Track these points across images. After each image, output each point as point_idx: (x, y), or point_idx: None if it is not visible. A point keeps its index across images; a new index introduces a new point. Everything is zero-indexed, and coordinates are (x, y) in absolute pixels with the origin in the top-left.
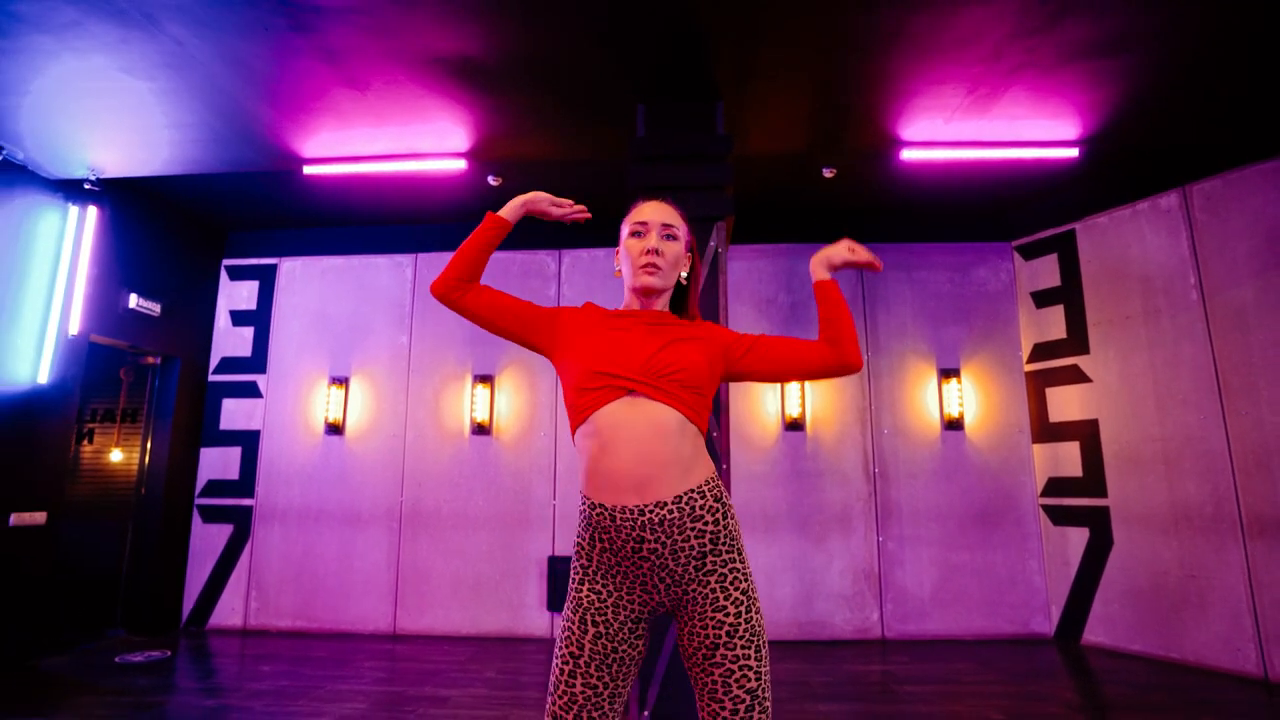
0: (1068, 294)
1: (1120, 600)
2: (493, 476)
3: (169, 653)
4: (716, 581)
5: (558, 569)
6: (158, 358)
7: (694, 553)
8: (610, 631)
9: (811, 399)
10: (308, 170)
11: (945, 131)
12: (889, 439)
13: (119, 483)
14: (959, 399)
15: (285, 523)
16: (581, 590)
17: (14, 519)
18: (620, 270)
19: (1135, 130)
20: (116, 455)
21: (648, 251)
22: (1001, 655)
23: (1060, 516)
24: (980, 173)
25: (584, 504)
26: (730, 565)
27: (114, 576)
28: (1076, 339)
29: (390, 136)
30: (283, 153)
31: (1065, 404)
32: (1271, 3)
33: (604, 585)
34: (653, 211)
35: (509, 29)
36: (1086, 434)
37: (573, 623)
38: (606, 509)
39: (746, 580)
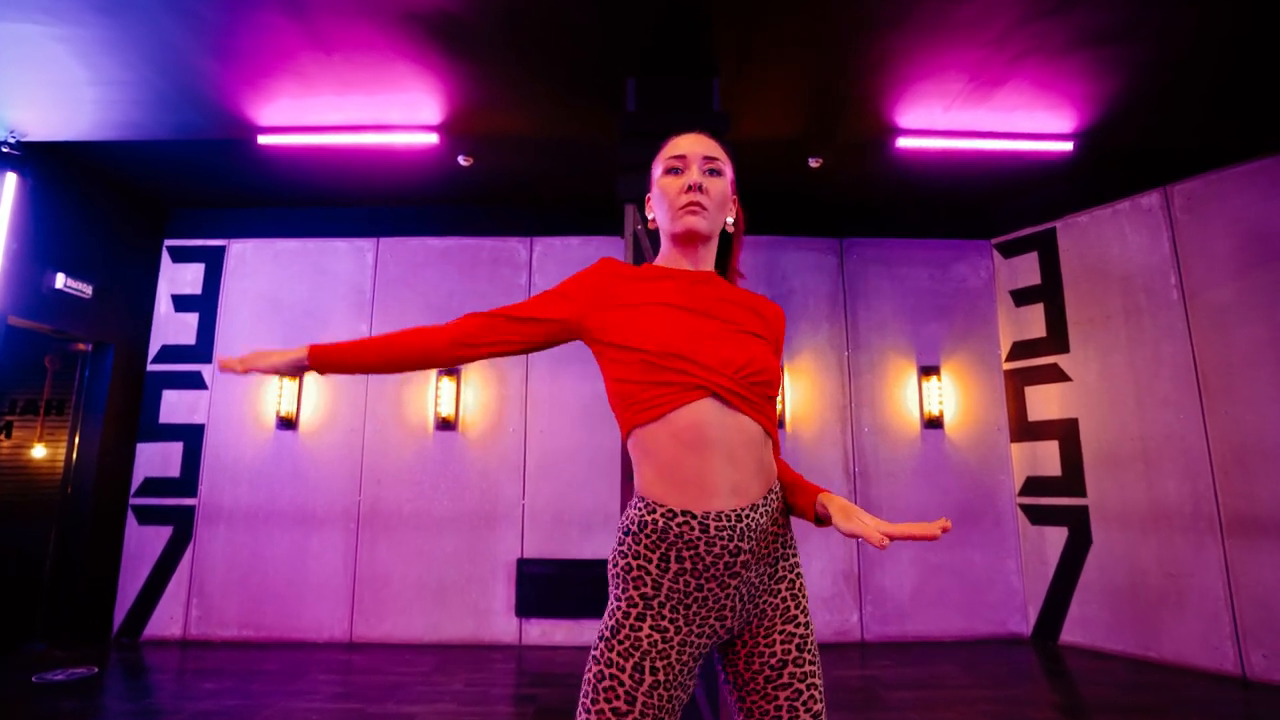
0: (1048, 292)
1: (1098, 600)
2: (458, 474)
3: (96, 669)
4: (787, 589)
5: (527, 572)
6: (89, 344)
7: (770, 559)
8: (670, 678)
9: (791, 397)
10: (263, 140)
11: (943, 120)
12: (869, 437)
13: (42, 481)
14: (939, 397)
15: (232, 524)
16: (641, 630)
17: None
18: (654, 219)
19: (1128, 127)
20: (39, 451)
21: (689, 188)
22: (982, 657)
23: (1038, 516)
24: (964, 168)
25: (652, 515)
26: (796, 570)
27: (34, 584)
28: (1056, 337)
29: (357, 105)
30: (236, 119)
31: (1044, 403)
32: (1257, 6)
33: (672, 621)
34: (691, 144)
35: None
36: (1066, 433)
37: (623, 670)
38: (695, 517)
39: (805, 587)
